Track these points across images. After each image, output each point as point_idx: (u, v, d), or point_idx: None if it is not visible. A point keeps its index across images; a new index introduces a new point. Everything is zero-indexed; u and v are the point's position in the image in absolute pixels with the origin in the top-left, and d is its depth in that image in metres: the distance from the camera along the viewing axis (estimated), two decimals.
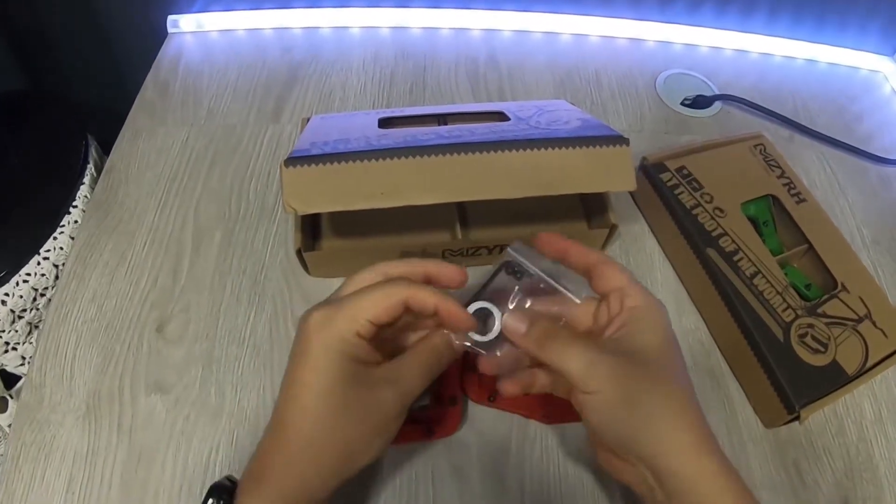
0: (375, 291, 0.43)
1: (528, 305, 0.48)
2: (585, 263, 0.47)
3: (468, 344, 0.47)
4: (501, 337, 0.47)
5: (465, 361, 0.59)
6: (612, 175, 0.56)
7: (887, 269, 0.74)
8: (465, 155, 0.54)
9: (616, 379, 0.41)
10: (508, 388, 0.48)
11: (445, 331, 0.47)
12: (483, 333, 0.47)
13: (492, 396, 0.58)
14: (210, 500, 0.41)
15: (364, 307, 0.42)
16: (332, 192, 0.53)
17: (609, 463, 0.46)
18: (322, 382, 0.42)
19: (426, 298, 0.44)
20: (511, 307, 0.48)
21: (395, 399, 0.43)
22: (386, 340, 0.47)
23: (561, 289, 0.47)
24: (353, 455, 0.42)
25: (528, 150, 0.54)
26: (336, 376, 0.42)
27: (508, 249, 0.49)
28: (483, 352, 0.47)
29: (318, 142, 0.56)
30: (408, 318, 0.46)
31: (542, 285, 0.48)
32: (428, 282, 0.46)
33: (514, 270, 0.48)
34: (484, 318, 0.47)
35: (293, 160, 0.52)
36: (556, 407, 0.58)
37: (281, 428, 0.42)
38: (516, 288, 0.48)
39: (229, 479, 0.43)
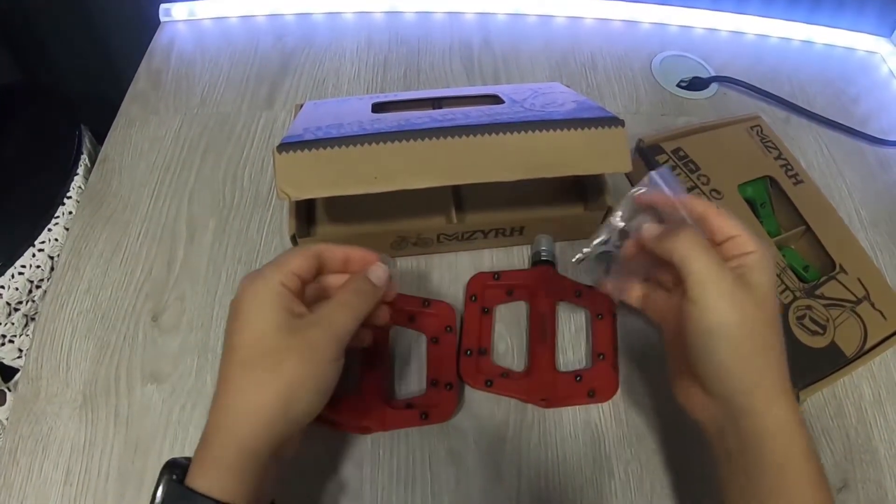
0: (294, 250, 0.47)
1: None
2: (695, 213, 0.47)
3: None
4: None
5: (462, 347, 0.59)
6: (608, 157, 0.56)
7: (885, 251, 0.74)
8: (459, 138, 0.53)
9: (733, 304, 0.42)
10: (608, 286, 0.53)
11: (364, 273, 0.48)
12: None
13: (489, 381, 0.58)
14: (164, 475, 0.41)
15: (286, 260, 0.45)
16: (326, 178, 0.52)
17: (687, 396, 0.47)
18: (252, 331, 0.42)
19: (335, 249, 0.49)
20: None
21: (325, 339, 0.43)
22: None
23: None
24: (288, 405, 0.41)
25: (523, 133, 0.54)
26: (267, 324, 0.42)
27: (652, 174, 0.49)
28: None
29: (311, 127, 0.55)
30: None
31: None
32: (345, 263, 0.50)
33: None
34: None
35: (286, 146, 0.52)
36: (554, 391, 0.58)
37: (220, 388, 0.42)
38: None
39: (186, 458, 0.42)
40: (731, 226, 0.45)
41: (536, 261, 0.64)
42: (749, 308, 0.42)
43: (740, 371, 0.42)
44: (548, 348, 0.60)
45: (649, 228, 0.47)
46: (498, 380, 0.58)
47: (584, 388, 0.59)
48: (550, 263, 0.64)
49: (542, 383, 0.58)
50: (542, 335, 0.61)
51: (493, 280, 0.64)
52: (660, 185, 0.48)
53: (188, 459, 0.42)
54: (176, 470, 0.41)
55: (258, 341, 0.42)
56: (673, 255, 0.44)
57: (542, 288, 0.63)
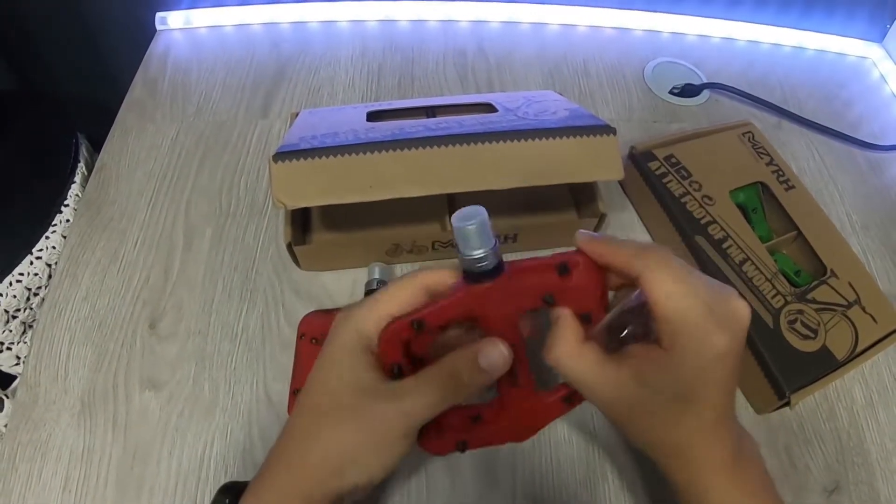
0: (393, 286, 0.41)
1: None
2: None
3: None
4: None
5: None
6: (600, 164, 0.57)
7: (877, 255, 0.74)
8: (453, 147, 0.54)
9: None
10: None
11: (474, 353, 0.39)
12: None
13: (461, 444, 0.44)
14: (219, 497, 0.41)
15: (382, 300, 0.40)
16: (321, 186, 0.53)
17: None
18: (329, 381, 0.40)
19: (446, 276, 0.41)
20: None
21: (395, 417, 0.39)
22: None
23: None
24: (343, 467, 0.39)
25: (516, 141, 0.55)
26: (344, 380, 0.39)
27: None
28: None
29: (307, 136, 0.56)
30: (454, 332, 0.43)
31: None
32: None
33: None
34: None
35: (282, 155, 0.53)
36: (536, 418, 0.45)
37: (286, 429, 0.41)
38: None
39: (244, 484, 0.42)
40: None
41: (470, 274, 0.39)
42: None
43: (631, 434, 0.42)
44: (521, 375, 0.43)
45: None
46: (472, 433, 0.44)
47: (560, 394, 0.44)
48: (493, 271, 0.39)
49: (521, 414, 0.44)
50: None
51: (414, 330, 0.40)
52: None
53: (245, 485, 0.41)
54: (230, 495, 0.41)
55: (332, 394, 0.40)
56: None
57: (490, 313, 0.41)
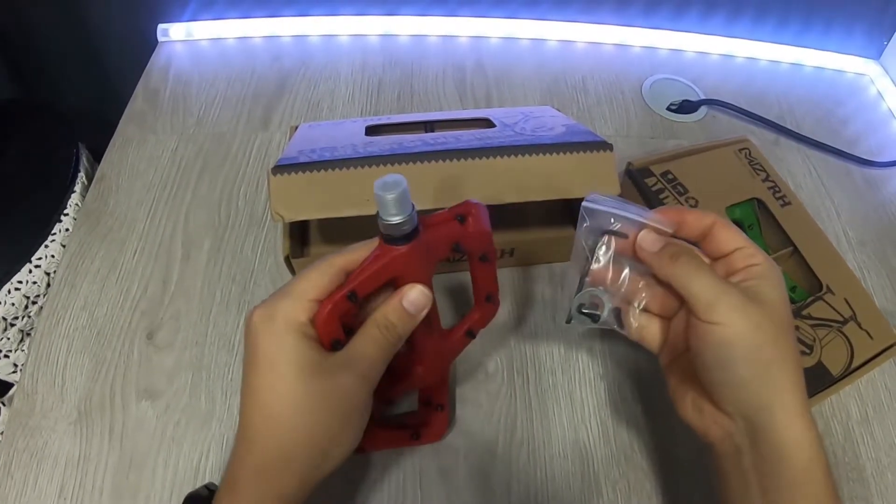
0: (310, 271, 0.42)
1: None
2: (702, 226, 0.45)
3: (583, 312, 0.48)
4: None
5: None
6: (597, 180, 0.57)
7: (873, 271, 0.74)
8: (451, 161, 0.54)
9: (746, 316, 0.40)
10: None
11: (398, 300, 0.43)
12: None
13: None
14: None
15: (305, 288, 0.41)
16: (320, 200, 0.53)
17: (698, 416, 0.45)
18: (281, 381, 0.39)
19: (359, 256, 0.42)
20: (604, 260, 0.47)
21: (357, 384, 0.41)
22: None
23: (648, 222, 0.45)
24: (325, 453, 0.40)
25: (513, 157, 0.55)
26: (294, 371, 0.39)
27: (585, 201, 0.46)
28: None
29: (306, 150, 0.56)
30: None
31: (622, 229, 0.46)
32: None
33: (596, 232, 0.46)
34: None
35: (280, 168, 0.53)
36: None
37: (249, 435, 0.40)
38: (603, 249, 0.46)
39: (208, 487, 0.42)
40: (739, 238, 0.44)
41: (391, 238, 0.41)
42: (760, 319, 0.40)
43: (757, 384, 0.41)
44: (434, 319, 0.48)
45: (646, 239, 0.45)
46: (393, 388, 0.49)
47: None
48: (412, 233, 0.41)
49: (434, 356, 0.50)
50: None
51: (350, 302, 0.42)
52: (606, 211, 0.46)
53: (210, 490, 0.41)
54: None
55: (287, 390, 0.39)
56: (673, 281, 0.43)
57: (410, 270, 0.43)
